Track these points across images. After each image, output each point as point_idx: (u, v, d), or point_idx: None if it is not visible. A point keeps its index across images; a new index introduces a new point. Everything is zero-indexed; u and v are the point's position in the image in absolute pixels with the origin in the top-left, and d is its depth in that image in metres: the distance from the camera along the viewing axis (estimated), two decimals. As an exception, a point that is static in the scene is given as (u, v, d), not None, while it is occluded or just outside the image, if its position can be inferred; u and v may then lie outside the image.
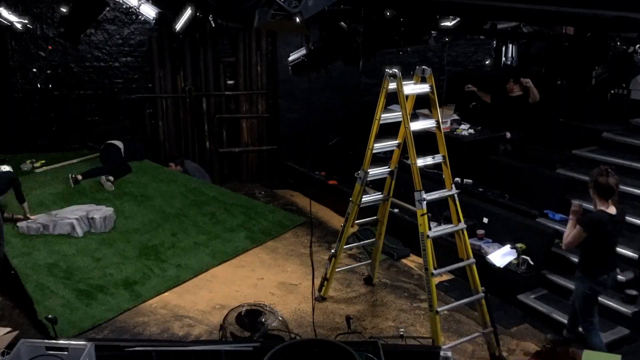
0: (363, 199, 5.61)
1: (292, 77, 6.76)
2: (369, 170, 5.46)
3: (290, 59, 6.23)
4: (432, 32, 6.68)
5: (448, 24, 6.35)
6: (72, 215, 6.64)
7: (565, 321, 5.29)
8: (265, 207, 8.27)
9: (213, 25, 7.39)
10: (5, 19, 7.44)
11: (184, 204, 7.80)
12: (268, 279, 6.41)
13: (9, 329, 3.77)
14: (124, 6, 7.88)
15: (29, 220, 6.46)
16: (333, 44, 5.61)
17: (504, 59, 9.14)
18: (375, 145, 5.37)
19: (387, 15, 5.33)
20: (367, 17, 5.23)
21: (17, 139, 8.79)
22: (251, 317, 4.82)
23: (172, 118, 9.29)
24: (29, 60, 8.66)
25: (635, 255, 5.51)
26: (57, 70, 8.80)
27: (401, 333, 4.83)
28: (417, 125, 5.01)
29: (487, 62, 10.24)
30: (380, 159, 6.22)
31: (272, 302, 5.68)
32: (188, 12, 6.69)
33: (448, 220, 5.80)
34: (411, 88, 5.05)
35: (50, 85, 8.74)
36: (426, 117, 7.96)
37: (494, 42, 9.63)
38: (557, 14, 3.60)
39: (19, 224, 6.44)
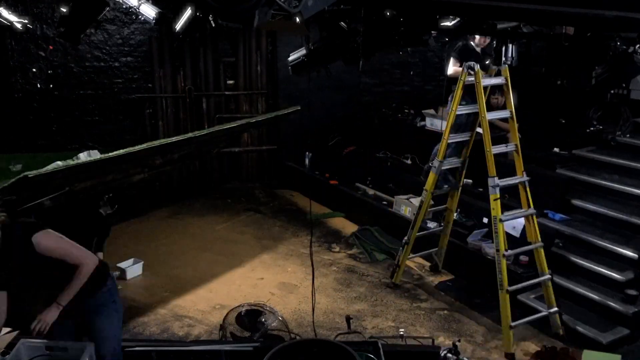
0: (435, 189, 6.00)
1: (292, 77, 6.74)
2: (444, 159, 5.85)
3: (290, 59, 6.22)
4: (432, 32, 6.67)
5: (448, 24, 6.33)
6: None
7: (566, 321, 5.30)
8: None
9: (213, 25, 7.37)
10: (5, 19, 7.42)
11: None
12: (268, 279, 6.41)
13: (9, 329, 3.76)
14: (124, 6, 7.87)
15: None
16: (333, 44, 5.60)
17: (503, 59, 9.13)
18: (450, 135, 5.75)
19: (387, 15, 5.32)
20: (367, 17, 5.23)
21: (18, 138, 8.80)
22: (251, 317, 4.82)
23: (172, 118, 9.28)
24: (29, 60, 8.65)
25: (635, 255, 5.50)
26: (57, 70, 8.80)
27: (401, 333, 4.83)
28: (492, 115, 5.38)
29: (487, 62, 10.23)
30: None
31: (272, 302, 5.68)
32: (188, 12, 6.68)
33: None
34: (488, 80, 5.36)
35: (50, 85, 8.74)
36: (432, 116, 8.00)
37: (494, 42, 9.62)
38: (557, 14, 3.61)
39: None
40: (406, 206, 7.24)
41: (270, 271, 6.62)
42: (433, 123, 7.96)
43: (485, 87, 5.26)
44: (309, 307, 5.50)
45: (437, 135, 7.68)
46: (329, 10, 4.82)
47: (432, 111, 8.08)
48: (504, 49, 9.02)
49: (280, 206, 8.68)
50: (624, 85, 7.54)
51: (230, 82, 9.46)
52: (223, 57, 9.33)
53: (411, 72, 10.00)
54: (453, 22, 6.36)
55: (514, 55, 8.87)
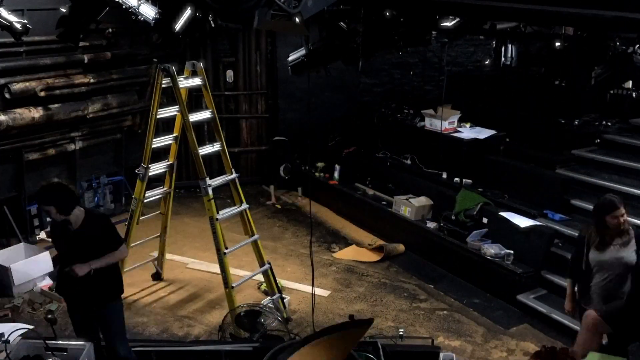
0: (147, 194, 5.90)
1: (291, 77, 6.75)
2: (149, 165, 5.70)
3: (290, 59, 6.23)
4: (432, 32, 6.68)
5: (448, 24, 6.34)
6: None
7: (565, 321, 5.28)
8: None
9: (213, 25, 7.38)
10: (5, 19, 7.41)
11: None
12: (268, 279, 6.41)
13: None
14: (124, 6, 7.86)
15: None
16: (333, 44, 5.61)
17: (503, 59, 9.13)
18: (154, 140, 5.64)
19: (387, 15, 5.32)
20: (367, 17, 5.24)
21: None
22: (250, 318, 4.81)
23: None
24: (29, 60, 8.63)
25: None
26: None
27: (401, 333, 4.83)
28: (195, 117, 5.50)
29: (486, 62, 10.23)
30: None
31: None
32: (188, 12, 6.68)
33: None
34: (184, 82, 5.42)
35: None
36: (432, 116, 7.98)
37: (494, 42, 9.62)
38: (557, 14, 3.61)
39: None
40: (406, 206, 7.24)
41: (270, 271, 6.61)
42: (432, 123, 7.94)
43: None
44: (308, 307, 5.50)
45: (436, 135, 7.70)
46: (328, 10, 4.83)
47: (431, 111, 8.06)
48: (503, 49, 9.03)
49: (280, 206, 8.67)
50: (623, 85, 7.55)
51: (230, 82, 9.45)
52: (223, 57, 9.33)
53: (411, 72, 9.99)
54: (453, 22, 6.37)
55: (513, 55, 8.87)
